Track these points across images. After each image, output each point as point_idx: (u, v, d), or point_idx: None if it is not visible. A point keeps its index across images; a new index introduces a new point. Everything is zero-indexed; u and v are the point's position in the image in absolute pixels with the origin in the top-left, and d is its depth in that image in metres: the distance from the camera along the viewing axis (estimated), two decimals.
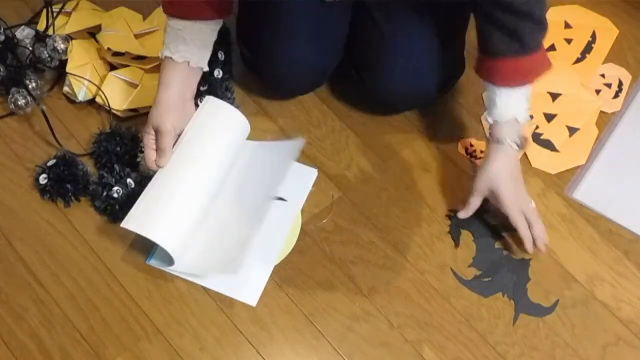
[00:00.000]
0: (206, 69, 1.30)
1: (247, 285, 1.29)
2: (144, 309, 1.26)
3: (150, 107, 1.39)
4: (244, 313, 1.27)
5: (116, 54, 1.45)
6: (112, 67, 1.47)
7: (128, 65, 1.45)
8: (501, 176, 1.30)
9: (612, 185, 1.45)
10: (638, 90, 1.58)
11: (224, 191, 1.32)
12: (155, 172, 1.28)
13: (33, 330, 1.24)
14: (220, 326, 1.26)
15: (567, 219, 1.41)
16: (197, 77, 1.31)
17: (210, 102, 1.33)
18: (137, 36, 1.47)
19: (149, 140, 1.28)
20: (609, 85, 1.57)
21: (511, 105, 1.27)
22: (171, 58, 1.25)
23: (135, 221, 1.23)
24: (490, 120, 1.30)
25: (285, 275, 1.31)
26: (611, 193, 1.44)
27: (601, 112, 1.54)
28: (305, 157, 1.44)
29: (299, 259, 1.33)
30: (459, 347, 1.27)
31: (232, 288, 1.28)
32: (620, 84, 1.58)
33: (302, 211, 1.37)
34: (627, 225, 1.40)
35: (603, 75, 1.59)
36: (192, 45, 1.26)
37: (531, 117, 1.51)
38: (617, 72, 1.59)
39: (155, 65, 1.45)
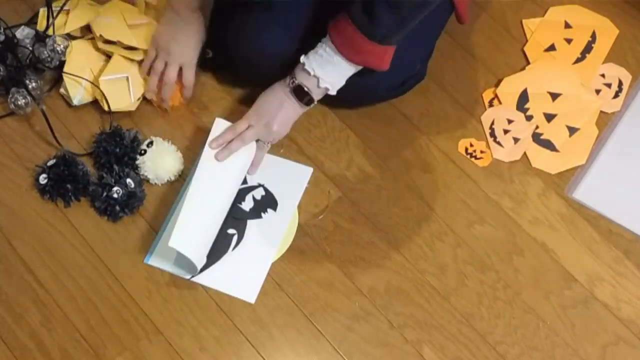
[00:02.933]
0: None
1: (246, 283, 1.29)
2: (144, 309, 1.26)
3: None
4: (244, 313, 1.27)
5: (108, 42, 1.45)
6: None
7: (112, 58, 1.45)
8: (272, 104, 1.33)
9: (612, 185, 1.45)
10: (638, 90, 1.57)
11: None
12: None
13: (33, 330, 1.24)
14: (220, 326, 1.26)
15: (567, 219, 1.41)
16: None
17: (222, 125, 1.36)
18: (130, 26, 1.46)
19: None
20: (609, 85, 1.57)
21: (327, 65, 1.27)
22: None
23: (180, 243, 1.24)
24: (303, 59, 1.29)
25: (285, 275, 1.31)
26: (611, 193, 1.44)
27: (601, 112, 1.54)
28: (304, 157, 1.44)
29: (299, 259, 1.33)
30: (459, 347, 1.27)
31: (230, 285, 1.29)
32: (620, 84, 1.58)
33: (302, 211, 1.37)
34: (627, 225, 1.40)
35: (603, 75, 1.59)
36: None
37: (531, 117, 1.51)
38: (617, 72, 1.59)
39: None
